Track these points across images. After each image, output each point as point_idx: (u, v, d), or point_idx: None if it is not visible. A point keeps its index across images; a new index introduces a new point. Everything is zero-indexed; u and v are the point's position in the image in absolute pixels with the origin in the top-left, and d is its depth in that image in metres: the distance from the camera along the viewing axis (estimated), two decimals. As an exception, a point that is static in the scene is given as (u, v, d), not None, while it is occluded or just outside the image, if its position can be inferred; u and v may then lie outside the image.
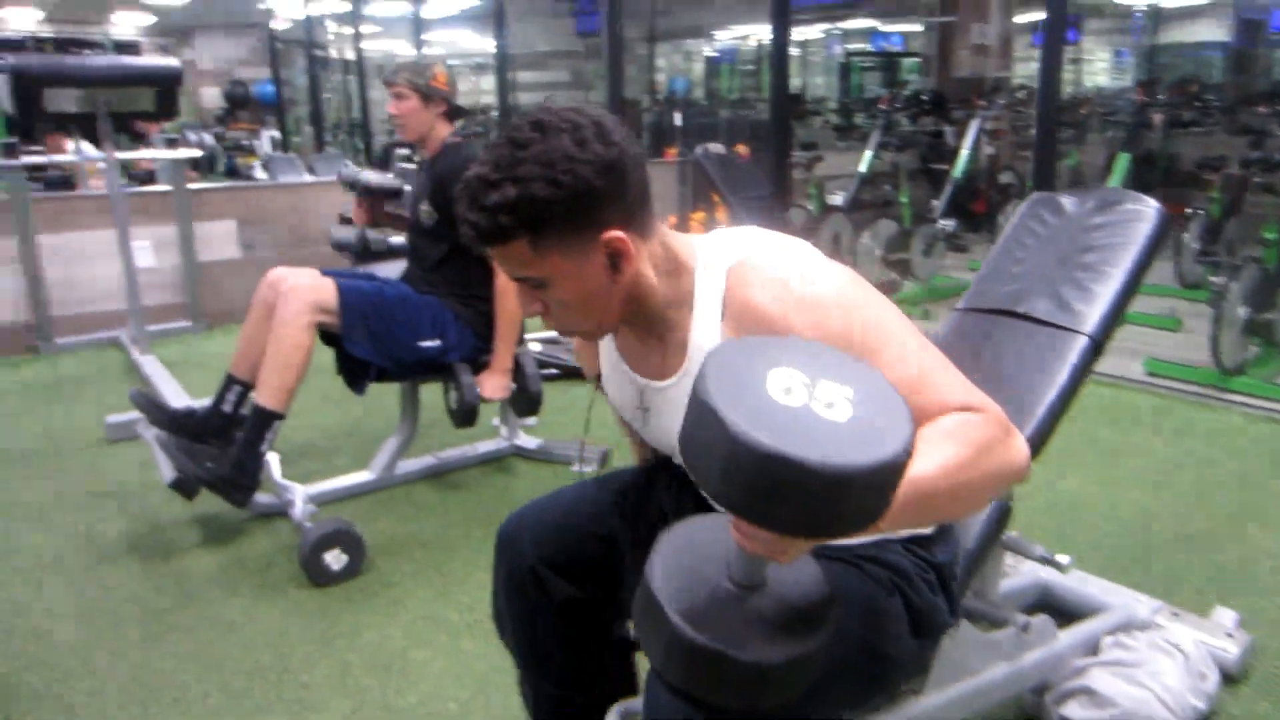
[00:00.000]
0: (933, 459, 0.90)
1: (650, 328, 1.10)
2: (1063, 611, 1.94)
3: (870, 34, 14.11)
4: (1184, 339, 3.89)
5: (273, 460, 2.35)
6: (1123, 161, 4.73)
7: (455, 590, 2.14)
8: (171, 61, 4.66)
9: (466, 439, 2.96)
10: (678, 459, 1.18)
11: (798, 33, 14.63)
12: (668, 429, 1.12)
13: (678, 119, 6.40)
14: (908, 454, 0.76)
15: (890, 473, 0.75)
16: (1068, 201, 1.75)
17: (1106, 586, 1.98)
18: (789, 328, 0.98)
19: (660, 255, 1.08)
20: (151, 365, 3.55)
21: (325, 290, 2.25)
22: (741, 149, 6.37)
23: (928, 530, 1.18)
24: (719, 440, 0.74)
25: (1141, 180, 7.29)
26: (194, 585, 2.15)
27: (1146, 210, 1.64)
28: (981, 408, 0.97)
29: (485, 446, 2.91)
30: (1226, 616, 1.87)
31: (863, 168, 5.84)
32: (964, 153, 5.59)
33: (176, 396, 3.14)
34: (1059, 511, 2.49)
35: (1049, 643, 1.67)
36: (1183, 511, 2.49)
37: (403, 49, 11.07)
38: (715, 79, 14.89)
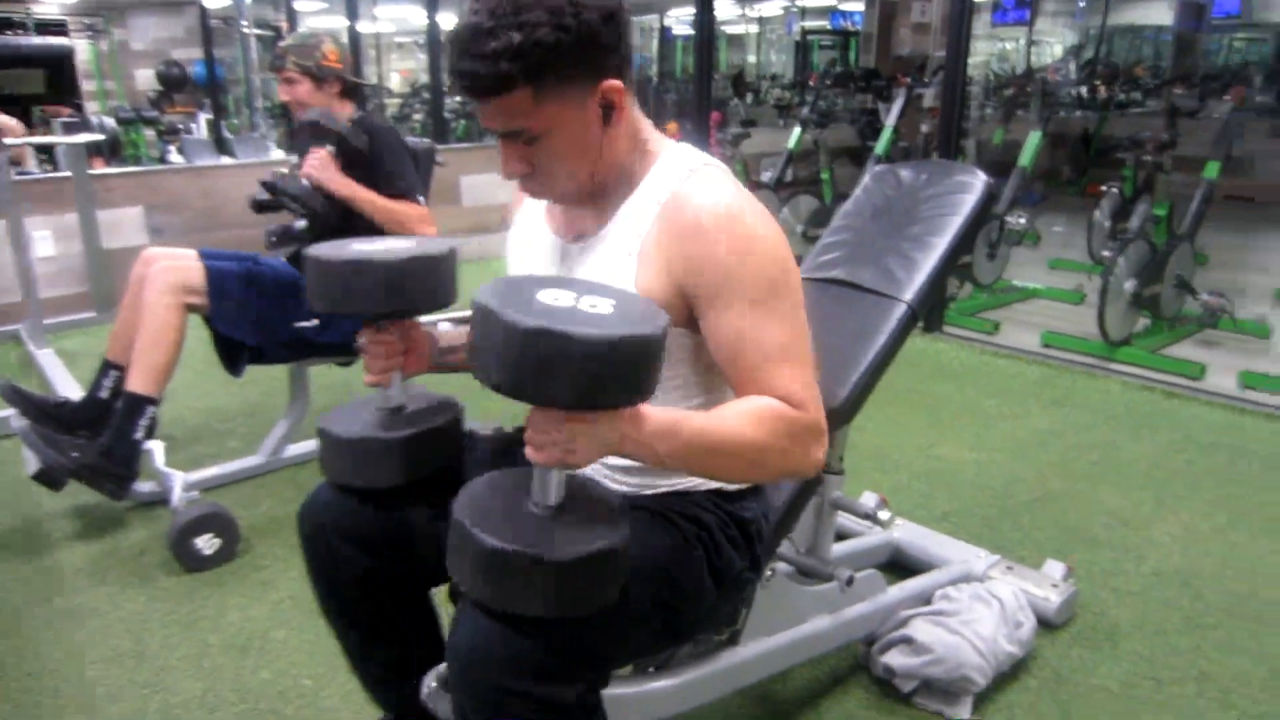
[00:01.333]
0: (731, 427, 1.03)
1: (594, 191, 1.12)
2: (910, 567, 2.03)
3: (830, 12, 14.14)
4: (1088, 312, 4.02)
5: (156, 447, 2.33)
6: (1033, 140, 4.83)
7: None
8: (60, 41, 4.56)
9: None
10: None
11: (759, 9, 14.61)
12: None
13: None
14: (655, 338, 0.91)
15: (638, 348, 0.90)
16: (906, 173, 1.81)
17: (950, 543, 2.07)
18: (707, 236, 1.03)
19: (633, 129, 1.10)
20: (47, 358, 3.49)
21: (191, 270, 2.25)
22: (671, 127, 6.40)
23: (734, 486, 1.23)
24: (495, 332, 0.89)
25: (1076, 160, 7.47)
26: (63, 577, 2.13)
27: (974, 182, 1.70)
28: (803, 406, 1.05)
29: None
30: (1056, 569, 1.97)
31: (791, 144, 5.89)
32: (887, 130, 5.66)
33: (70, 388, 3.11)
34: (932, 476, 2.58)
35: (875, 596, 1.74)
36: (1043, 475, 2.59)
37: (344, 25, 10.87)
38: (669, 56, 14.83)
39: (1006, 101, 7.25)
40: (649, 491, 1.21)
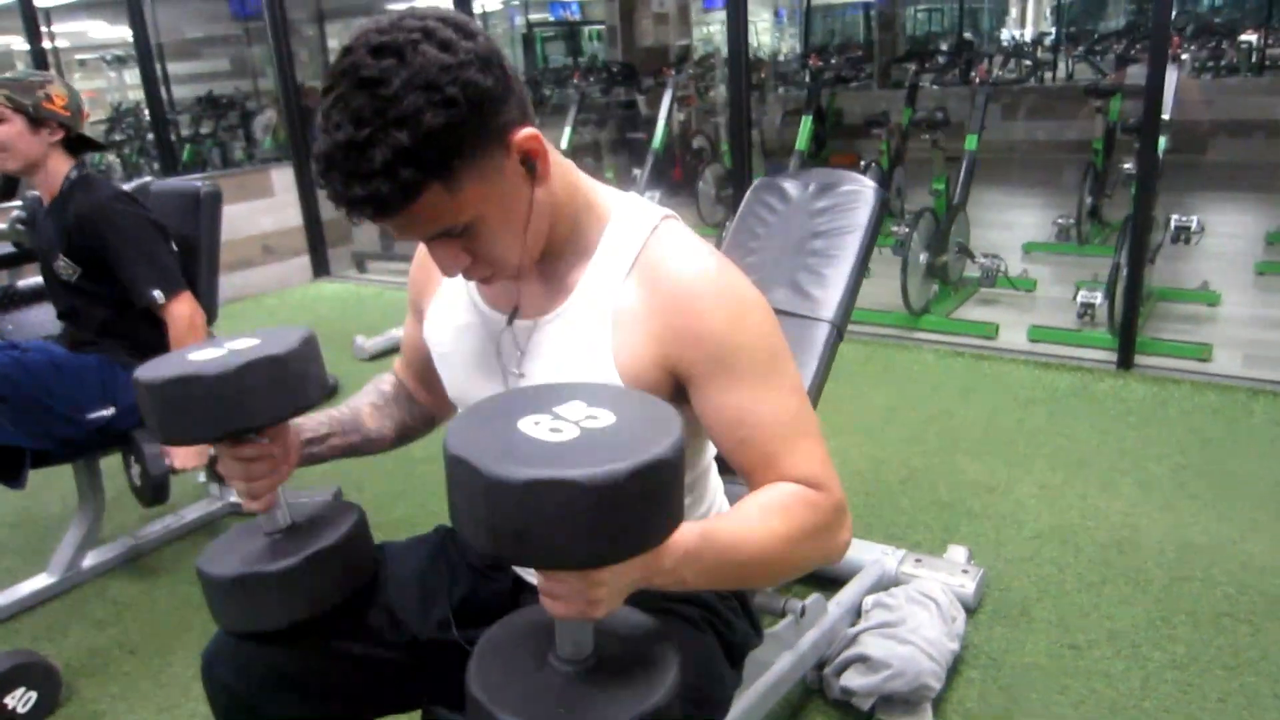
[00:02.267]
0: (760, 533, 0.89)
1: (549, 253, 0.97)
2: (824, 574, 2.02)
3: (549, 3, 14.11)
4: (870, 284, 4.26)
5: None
6: (806, 124, 5.06)
7: (180, 702, 1.82)
8: None
9: (169, 508, 2.56)
10: None
11: (478, 4, 14.32)
12: (538, 380, 0.99)
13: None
14: (673, 457, 0.72)
15: (655, 475, 0.71)
16: (791, 186, 1.77)
17: (855, 544, 2.08)
18: (698, 306, 0.92)
19: (563, 174, 0.96)
20: None
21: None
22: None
23: None
24: (476, 490, 0.70)
25: (815, 137, 7.97)
26: None
27: (865, 191, 1.69)
28: (825, 486, 0.94)
29: (194, 512, 2.53)
30: (959, 553, 2.03)
31: (564, 144, 5.80)
32: (660, 123, 5.72)
33: None
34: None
35: (821, 620, 1.71)
36: (902, 453, 2.69)
37: (17, 44, 9.37)
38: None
39: (759, 85, 7.61)
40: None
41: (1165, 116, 3.27)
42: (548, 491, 0.68)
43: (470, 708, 0.83)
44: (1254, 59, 8.06)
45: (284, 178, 5.42)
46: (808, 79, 6.65)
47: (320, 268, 5.59)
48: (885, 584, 1.94)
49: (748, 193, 1.83)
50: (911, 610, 1.74)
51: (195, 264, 2.25)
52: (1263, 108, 7.48)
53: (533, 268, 0.97)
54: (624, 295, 0.95)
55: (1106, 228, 5.28)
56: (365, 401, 1.19)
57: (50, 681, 1.80)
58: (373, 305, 4.97)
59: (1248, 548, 2.10)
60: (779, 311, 1.55)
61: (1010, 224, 5.86)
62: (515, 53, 14.69)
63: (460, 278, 0.99)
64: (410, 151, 0.78)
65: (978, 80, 4.35)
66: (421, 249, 1.09)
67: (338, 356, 3.97)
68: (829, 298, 1.58)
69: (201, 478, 2.62)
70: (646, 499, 0.71)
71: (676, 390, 0.96)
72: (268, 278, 5.35)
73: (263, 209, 5.34)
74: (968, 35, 12.43)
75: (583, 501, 0.68)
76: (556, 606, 0.78)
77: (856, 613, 1.84)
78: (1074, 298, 3.79)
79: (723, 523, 0.89)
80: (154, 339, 2.06)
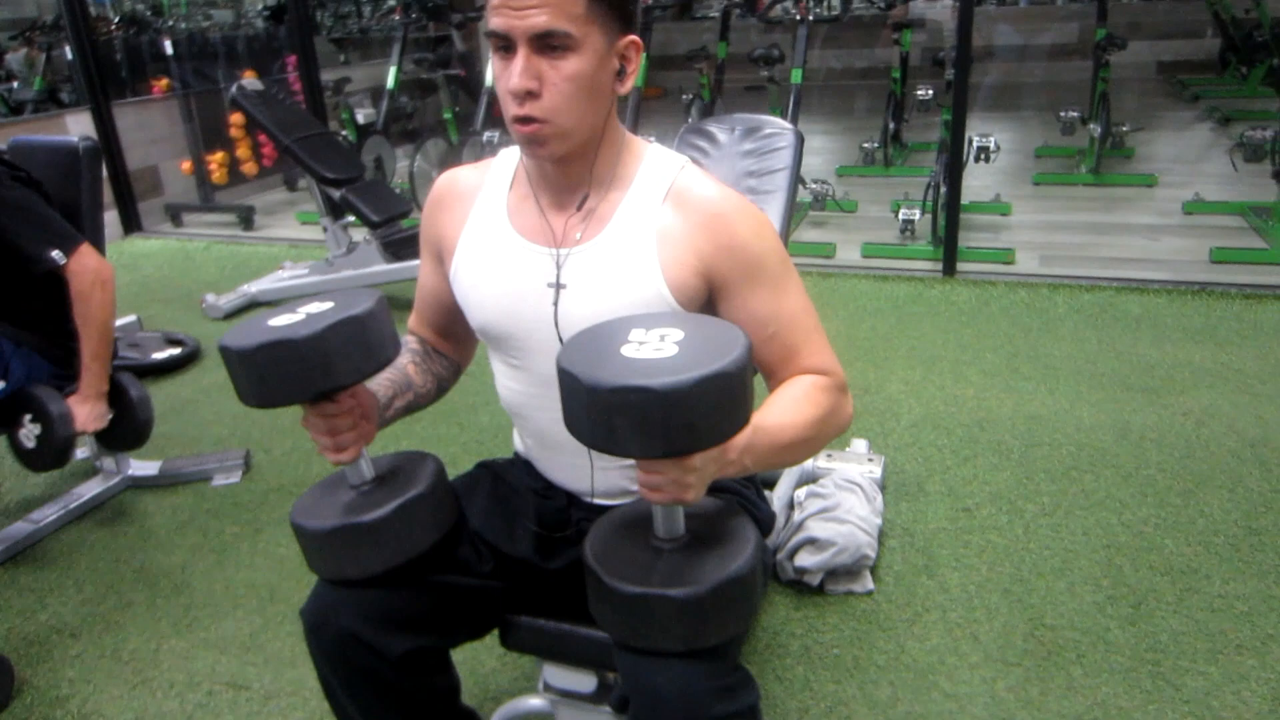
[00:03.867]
0: (797, 418, 1.08)
1: (578, 187, 1.11)
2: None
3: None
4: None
5: None
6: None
7: (151, 674, 1.79)
8: None
9: (61, 489, 2.42)
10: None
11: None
12: (591, 295, 1.10)
13: (168, 46, 5.44)
14: (737, 370, 0.88)
15: (724, 381, 0.87)
16: (718, 130, 1.90)
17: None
18: (730, 222, 1.08)
19: (618, 121, 1.11)
20: None
21: None
22: (250, 74, 5.69)
23: None
24: (579, 395, 0.87)
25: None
26: None
27: (786, 133, 1.85)
28: (833, 371, 1.13)
29: (90, 490, 2.39)
30: (861, 445, 2.33)
31: (390, 84, 5.60)
32: (393, 65, 5.58)
33: None
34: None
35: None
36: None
37: None
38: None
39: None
40: None
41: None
42: (630, 395, 0.84)
43: (589, 583, 1.00)
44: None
45: (80, 124, 4.90)
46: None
47: (131, 223, 5.14)
48: (806, 479, 2.20)
49: (677, 138, 1.96)
50: (843, 495, 2.01)
51: (78, 228, 2.10)
52: (1026, 34, 8.40)
53: (572, 172, 1.10)
54: (663, 217, 1.09)
55: (906, 149, 5.83)
56: (407, 360, 1.25)
57: (4, 674, 1.72)
58: (205, 261, 4.66)
59: (1077, 414, 2.55)
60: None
61: (821, 150, 6.31)
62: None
63: (492, 213, 1.15)
64: None
65: (798, 17, 4.63)
66: (447, 198, 1.20)
67: (188, 317, 3.75)
68: (772, 227, 1.76)
69: (82, 452, 2.49)
70: (713, 403, 0.87)
71: (708, 300, 1.12)
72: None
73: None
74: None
75: (657, 405, 0.84)
76: (654, 494, 0.94)
77: (790, 505, 2.08)
78: (897, 215, 4.22)
79: (767, 416, 1.06)
80: (41, 290, 1.94)
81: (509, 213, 1.15)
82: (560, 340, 1.10)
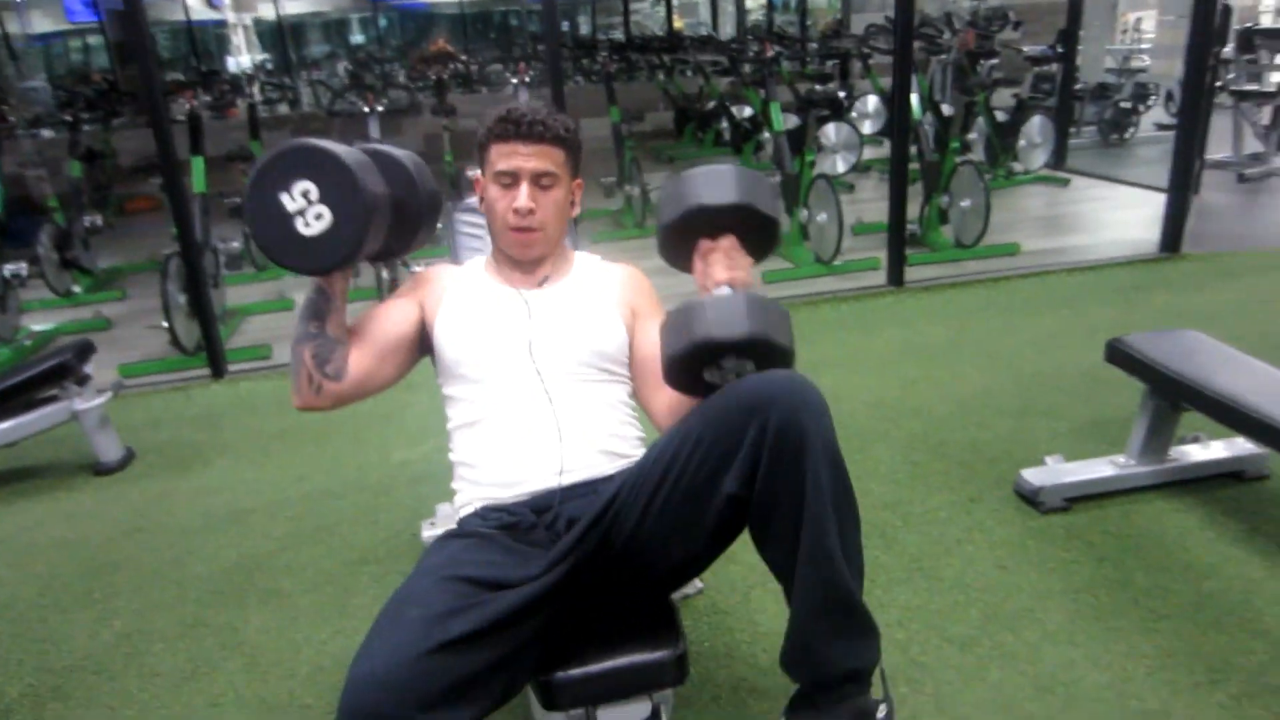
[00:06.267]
0: None
1: (540, 273, 1.57)
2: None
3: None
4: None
5: None
6: (76, 168, 4.61)
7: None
8: None
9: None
10: (553, 351, 1.48)
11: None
12: (554, 317, 1.51)
13: None
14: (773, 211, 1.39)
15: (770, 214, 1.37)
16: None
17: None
18: (642, 282, 1.63)
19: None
20: None
21: None
22: None
23: None
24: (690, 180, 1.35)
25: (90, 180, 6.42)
26: None
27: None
28: None
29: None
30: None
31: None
32: None
33: None
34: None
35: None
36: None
37: None
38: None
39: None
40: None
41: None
42: (741, 212, 1.34)
43: (675, 314, 1.33)
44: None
45: None
46: (67, 118, 6.05)
47: None
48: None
49: (452, 220, 2.02)
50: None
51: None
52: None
53: (538, 261, 1.55)
54: (608, 280, 1.60)
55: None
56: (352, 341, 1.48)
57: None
58: None
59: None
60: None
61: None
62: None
63: (473, 282, 1.58)
64: (567, 127, 1.50)
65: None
66: (440, 271, 1.62)
67: None
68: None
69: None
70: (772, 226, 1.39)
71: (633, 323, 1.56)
72: None
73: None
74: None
75: (755, 218, 1.36)
76: (732, 274, 1.33)
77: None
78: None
79: None
80: None
81: (487, 276, 1.59)
82: (530, 343, 1.47)
